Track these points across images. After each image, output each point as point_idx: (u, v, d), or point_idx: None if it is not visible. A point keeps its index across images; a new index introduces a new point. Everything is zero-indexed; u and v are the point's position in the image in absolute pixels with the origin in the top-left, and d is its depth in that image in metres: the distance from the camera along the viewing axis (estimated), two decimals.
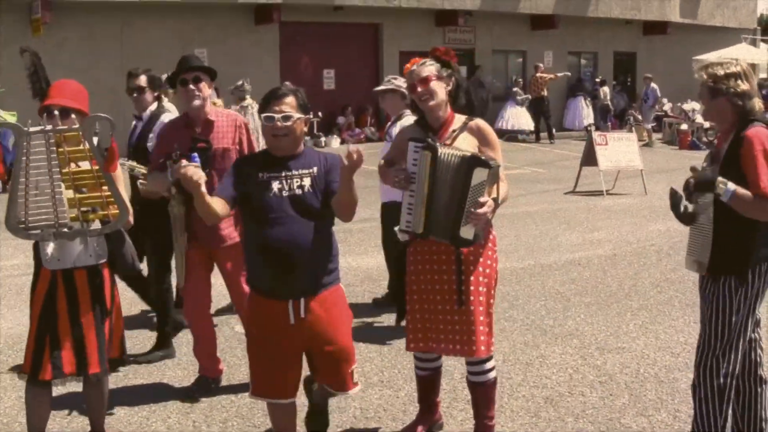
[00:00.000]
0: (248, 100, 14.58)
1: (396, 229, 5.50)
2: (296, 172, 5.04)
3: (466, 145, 5.45)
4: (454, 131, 5.55)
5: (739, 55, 32.46)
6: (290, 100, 5.04)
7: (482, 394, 5.65)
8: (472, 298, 5.42)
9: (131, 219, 5.11)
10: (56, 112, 5.09)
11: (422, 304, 5.55)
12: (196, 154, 6.28)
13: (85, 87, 5.51)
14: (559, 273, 10.92)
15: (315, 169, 5.08)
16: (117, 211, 4.91)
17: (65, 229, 4.89)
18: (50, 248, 5.21)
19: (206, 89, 6.61)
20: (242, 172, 5.11)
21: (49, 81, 5.93)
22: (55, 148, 4.79)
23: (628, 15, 34.07)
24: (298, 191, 5.00)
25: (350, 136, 27.32)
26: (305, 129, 5.17)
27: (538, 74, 29.55)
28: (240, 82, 14.80)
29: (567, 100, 32.85)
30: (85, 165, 4.92)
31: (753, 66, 35.13)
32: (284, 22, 26.38)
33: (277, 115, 4.98)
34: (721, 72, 5.05)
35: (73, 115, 5.11)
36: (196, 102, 6.54)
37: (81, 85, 5.48)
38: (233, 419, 6.32)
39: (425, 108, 5.57)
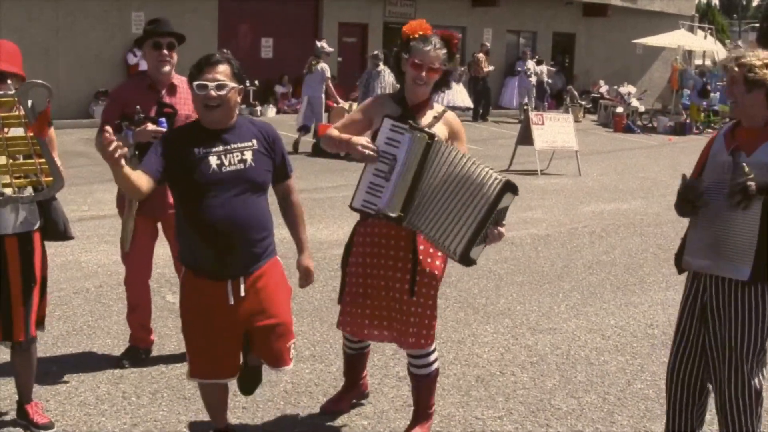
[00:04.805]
0: (381, 66, 19.64)
1: (350, 206, 5.23)
2: (235, 146, 4.78)
3: (440, 134, 5.24)
4: (435, 118, 5.37)
5: (677, 41, 32.89)
6: (224, 68, 4.73)
7: (425, 386, 5.58)
8: (424, 290, 5.31)
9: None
10: None
11: (366, 288, 5.38)
12: (164, 119, 6.19)
13: (18, 47, 5.35)
14: (492, 251, 10.92)
15: (255, 141, 4.85)
16: (51, 179, 4.78)
17: None
18: None
19: (175, 56, 6.54)
20: (174, 146, 4.76)
21: None
22: None
23: None
24: (240, 166, 4.75)
25: (288, 106, 27.20)
26: (239, 100, 4.86)
27: (480, 54, 29.59)
28: (375, 52, 20.64)
29: (505, 78, 32.95)
30: (19, 132, 4.76)
31: (689, 53, 35.55)
32: None
33: (210, 84, 4.66)
34: (757, 62, 4.63)
35: (9, 81, 4.97)
36: (167, 68, 6.47)
37: (15, 45, 5.31)
38: (163, 390, 6.26)
39: (414, 89, 5.33)
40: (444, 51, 5.34)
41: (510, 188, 4.96)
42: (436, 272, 5.38)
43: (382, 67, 19.68)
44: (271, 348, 5.07)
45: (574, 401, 6.31)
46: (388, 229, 5.30)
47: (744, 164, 4.56)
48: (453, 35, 5.46)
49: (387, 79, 19.35)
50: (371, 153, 5.10)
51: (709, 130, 30.96)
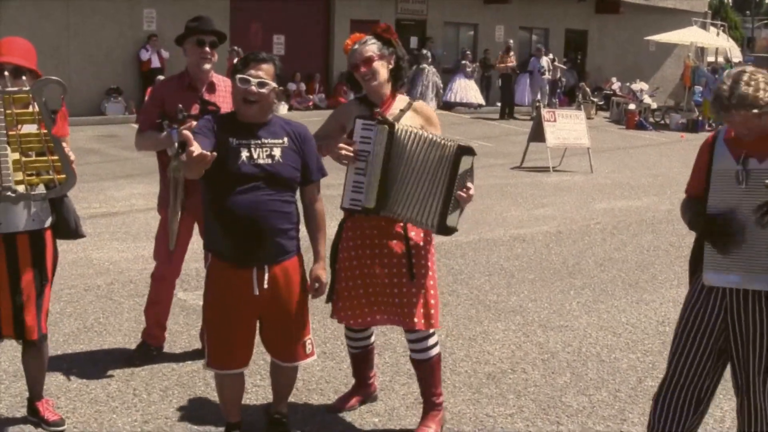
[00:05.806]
0: (424, 64, 21.34)
1: (341, 207, 5.43)
2: (266, 141, 4.94)
3: (413, 124, 5.40)
4: (401, 110, 5.51)
5: (689, 38, 32.79)
6: (268, 67, 4.93)
7: (427, 372, 5.58)
8: (423, 272, 5.39)
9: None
10: (6, 72, 4.93)
11: (363, 278, 5.44)
12: (209, 117, 6.16)
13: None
14: (504, 248, 10.95)
15: (285, 139, 5.00)
16: (63, 176, 4.79)
17: (9, 193, 4.73)
18: None
19: (216, 54, 6.57)
20: (216, 131, 4.93)
21: None
22: (2, 110, 4.65)
23: None
24: (268, 161, 4.89)
25: (299, 103, 27.21)
26: (275, 100, 5.04)
27: (500, 52, 29.70)
28: (423, 51, 22.47)
29: (518, 75, 32.88)
30: (32, 128, 4.77)
31: (702, 50, 35.43)
32: None
33: (253, 80, 4.85)
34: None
35: (24, 76, 4.97)
36: (208, 65, 6.48)
37: (30, 43, 5.32)
38: (174, 388, 6.26)
39: (368, 87, 5.49)
40: (373, 42, 5.48)
41: (465, 151, 5.12)
42: (430, 255, 5.50)
43: (425, 65, 20.99)
44: (283, 344, 5.19)
45: (585, 399, 6.30)
46: (377, 220, 5.42)
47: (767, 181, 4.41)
48: (377, 26, 5.61)
49: (430, 78, 19.72)
50: (347, 152, 5.26)
51: (721, 127, 30.81)
